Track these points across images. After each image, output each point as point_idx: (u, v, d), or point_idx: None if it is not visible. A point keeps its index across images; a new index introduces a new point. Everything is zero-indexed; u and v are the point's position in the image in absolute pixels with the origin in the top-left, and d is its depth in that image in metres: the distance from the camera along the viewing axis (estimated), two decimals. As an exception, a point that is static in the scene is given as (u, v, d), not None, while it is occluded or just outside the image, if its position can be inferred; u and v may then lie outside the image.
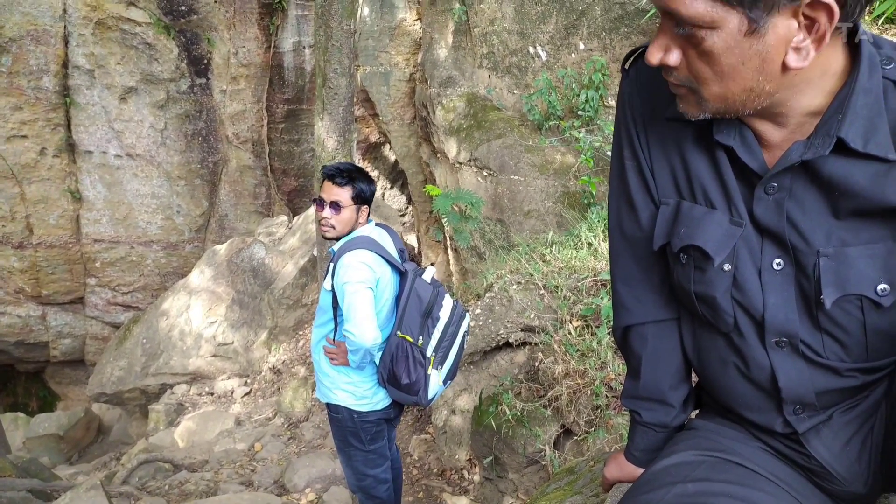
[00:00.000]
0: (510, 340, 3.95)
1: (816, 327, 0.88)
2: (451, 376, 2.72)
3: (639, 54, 0.98)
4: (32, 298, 9.65)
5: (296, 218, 8.94)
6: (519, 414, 3.52)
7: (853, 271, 0.83)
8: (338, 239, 2.65)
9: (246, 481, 4.87)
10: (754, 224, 0.88)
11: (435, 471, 4.37)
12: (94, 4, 8.64)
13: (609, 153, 5.27)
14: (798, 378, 0.90)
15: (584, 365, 3.41)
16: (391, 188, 10.80)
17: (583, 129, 5.76)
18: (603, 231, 4.50)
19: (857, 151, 0.79)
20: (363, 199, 2.62)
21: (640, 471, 1.10)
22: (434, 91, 6.76)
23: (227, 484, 4.75)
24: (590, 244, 4.40)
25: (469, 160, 6.14)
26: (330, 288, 2.59)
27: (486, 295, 4.26)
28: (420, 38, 7.56)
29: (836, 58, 0.79)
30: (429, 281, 2.63)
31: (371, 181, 2.67)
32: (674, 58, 0.80)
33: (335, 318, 2.62)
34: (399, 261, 2.67)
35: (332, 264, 2.60)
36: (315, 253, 6.99)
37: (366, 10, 7.82)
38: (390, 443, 2.97)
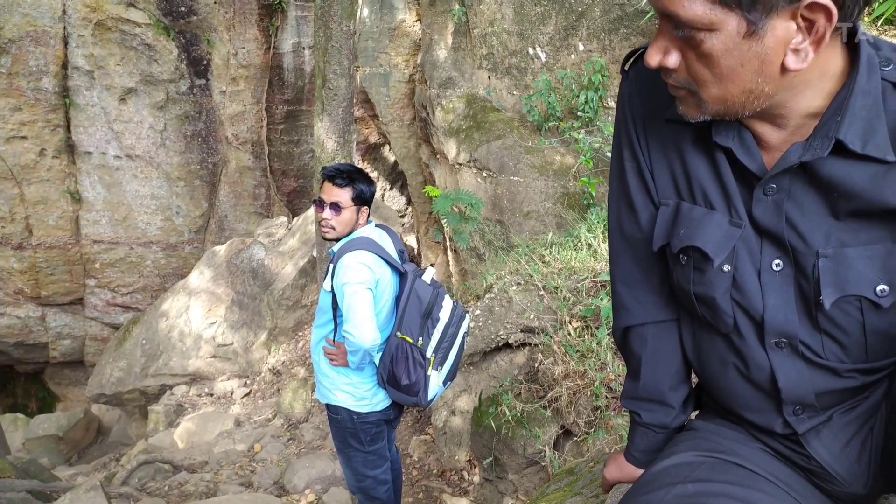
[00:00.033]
0: (510, 341, 3.95)
1: (816, 328, 0.88)
2: (450, 377, 2.72)
3: (638, 55, 0.98)
4: (32, 299, 9.65)
5: (295, 219, 8.94)
6: (519, 415, 3.52)
7: (852, 272, 0.83)
8: (338, 240, 2.65)
9: (245, 482, 4.86)
10: (753, 225, 0.88)
11: (435, 472, 4.37)
12: (94, 5, 8.64)
13: (608, 154, 5.28)
14: (798, 379, 0.90)
15: (584, 366, 3.42)
16: (391, 189, 10.81)
17: (582, 130, 5.76)
18: (602, 232, 4.51)
19: (856, 153, 0.79)
20: (363, 200, 2.62)
21: (640, 472, 1.11)
22: (434, 92, 6.76)
23: (226, 485, 4.74)
24: (589, 245, 4.40)
25: (469, 161, 6.14)
26: (329, 289, 2.59)
27: (486, 296, 4.27)
28: (419, 40, 7.57)
29: (834, 59, 0.79)
30: (428, 282, 2.63)
31: (371, 182, 2.67)
32: (673, 60, 0.80)
33: (335, 318, 2.62)
34: (399, 262, 2.67)
35: (331, 265, 2.60)
36: (314, 254, 6.99)
37: (365, 12, 7.83)
38: (390, 444, 2.97)
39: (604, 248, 4.26)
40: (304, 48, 9.94)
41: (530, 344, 3.91)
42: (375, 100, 8.12)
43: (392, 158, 9.93)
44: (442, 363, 2.63)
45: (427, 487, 4.21)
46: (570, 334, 3.62)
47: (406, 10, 7.69)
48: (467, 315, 2.80)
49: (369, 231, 2.68)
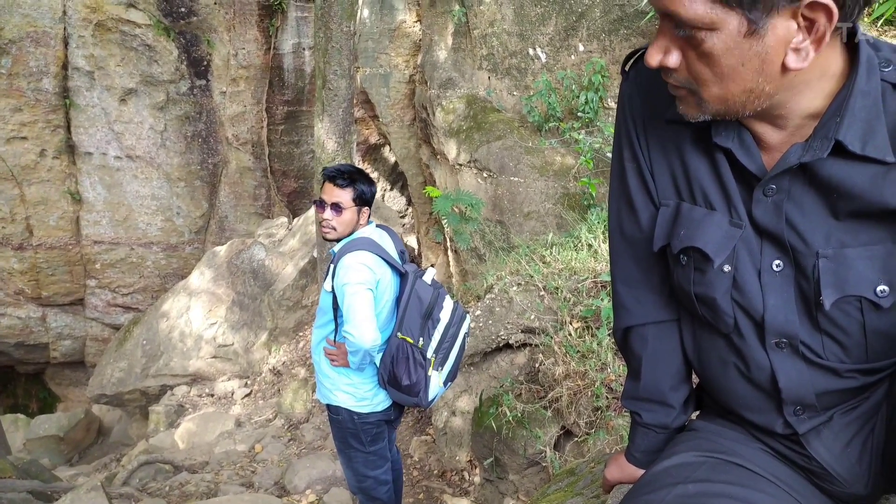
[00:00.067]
0: (510, 342, 3.95)
1: (816, 328, 0.88)
2: (451, 378, 2.72)
3: (638, 56, 0.98)
4: (32, 300, 9.65)
5: (296, 219, 8.94)
6: (519, 415, 3.52)
7: (852, 273, 0.83)
8: (338, 240, 2.66)
9: (246, 482, 4.87)
10: (754, 226, 0.89)
11: (435, 472, 4.37)
12: (94, 6, 8.65)
13: (609, 155, 5.28)
14: (798, 379, 0.91)
15: (585, 366, 3.42)
16: (391, 190, 10.81)
17: (582, 131, 5.76)
18: (603, 232, 4.51)
19: (856, 154, 0.79)
20: (364, 200, 2.63)
21: (641, 472, 1.11)
22: (434, 93, 6.77)
23: (227, 485, 4.75)
24: (590, 245, 4.40)
25: (469, 162, 6.14)
26: (330, 289, 2.59)
27: (487, 296, 4.27)
28: (420, 40, 7.57)
29: (834, 59, 0.79)
30: (429, 282, 2.64)
31: (372, 183, 2.67)
32: (673, 59, 0.80)
33: (335, 319, 2.62)
34: (399, 262, 2.67)
35: (332, 265, 2.60)
36: (315, 254, 6.99)
37: (365, 12, 7.83)
38: (391, 444, 2.97)
39: (604, 248, 4.26)
40: (304, 49, 9.94)
41: (531, 344, 3.91)
42: (376, 100, 8.13)
43: (392, 159, 9.93)
44: (442, 364, 2.63)
45: (428, 488, 4.22)
46: (570, 335, 3.62)
47: (406, 11, 7.69)
48: (468, 315, 2.80)
49: (370, 231, 2.68)
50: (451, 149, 6.41)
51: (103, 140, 9.27)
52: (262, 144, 10.04)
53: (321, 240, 5.42)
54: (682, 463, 0.97)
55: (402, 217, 10.53)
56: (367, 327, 2.41)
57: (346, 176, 2.59)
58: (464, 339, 2.73)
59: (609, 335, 3.45)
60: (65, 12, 8.65)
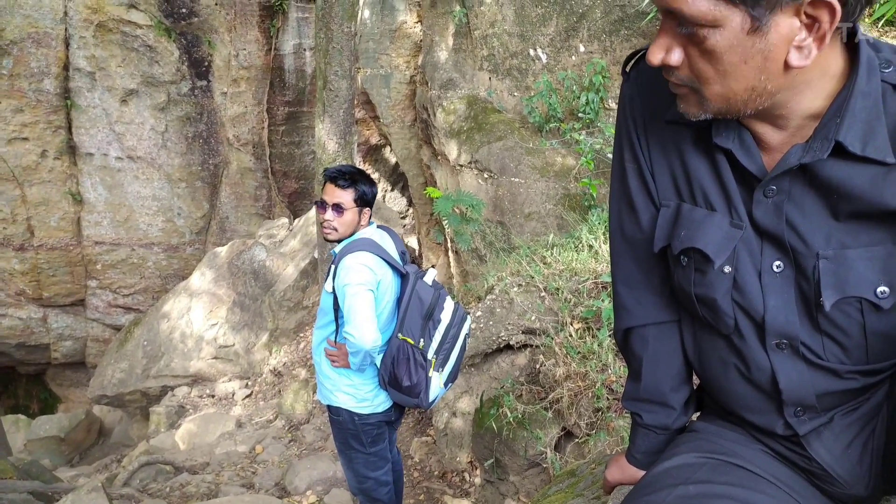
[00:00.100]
0: (511, 343, 3.95)
1: (816, 329, 0.88)
2: (452, 379, 2.72)
3: (639, 57, 0.98)
4: (33, 300, 9.66)
5: (296, 220, 8.95)
6: (520, 416, 3.52)
7: (853, 274, 0.83)
8: (340, 241, 2.66)
9: (247, 483, 4.87)
10: (754, 227, 0.88)
11: (436, 473, 4.37)
12: (95, 7, 8.66)
13: (609, 155, 5.28)
14: (798, 380, 0.91)
15: (585, 367, 3.41)
16: (392, 190, 10.81)
17: (583, 132, 5.76)
18: (604, 233, 4.51)
19: (856, 155, 0.79)
20: (365, 201, 2.63)
21: (642, 473, 1.11)
22: (434, 93, 6.77)
23: (227, 486, 4.75)
24: (590, 246, 4.40)
25: (470, 162, 6.14)
26: (331, 290, 2.59)
27: (487, 297, 4.27)
28: (420, 41, 7.57)
29: (835, 59, 0.79)
30: (430, 283, 2.64)
31: (373, 183, 2.67)
32: (675, 57, 0.80)
33: (336, 320, 2.62)
34: (400, 263, 2.67)
35: (333, 266, 2.60)
36: (316, 255, 7.00)
37: (366, 13, 7.84)
38: (391, 445, 2.97)
39: (605, 249, 4.26)
40: (305, 49, 9.95)
41: (531, 345, 3.91)
42: (376, 101, 8.13)
43: (393, 160, 9.93)
44: (443, 365, 2.63)
45: (428, 489, 4.21)
46: (571, 336, 3.62)
47: (407, 12, 7.70)
48: (468, 316, 2.80)
49: (371, 232, 2.68)
50: (451, 149, 6.41)
51: (104, 141, 9.28)
52: (262, 145, 10.04)
53: (322, 240, 5.42)
54: (683, 464, 0.97)
55: (403, 218, 10.53)
56: (367, 328, 2.41)
57: (348, 177, 2.59)
58: (464, 340, 2.73)
59: (610, 336, 3.45)
60: (66, 13, 8.66)
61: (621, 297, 1.09)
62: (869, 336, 0.86)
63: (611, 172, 1.07)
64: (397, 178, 10.49)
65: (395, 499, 3.01)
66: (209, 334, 7.77)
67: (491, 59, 6.56)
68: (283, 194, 10.52)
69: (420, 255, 8.69)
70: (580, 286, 3.91)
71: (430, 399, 2.61)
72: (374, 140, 9.90)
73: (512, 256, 4.82)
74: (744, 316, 0.92)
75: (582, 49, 6.08)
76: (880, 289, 0.82)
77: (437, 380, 2.62)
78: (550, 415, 3.49)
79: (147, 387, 7.79)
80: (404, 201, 10.75)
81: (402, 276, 2.64)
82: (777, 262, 0.88)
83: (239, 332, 7.75)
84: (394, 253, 2.70)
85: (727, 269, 0.90)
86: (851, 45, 0.80)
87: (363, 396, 2.67)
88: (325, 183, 2.63)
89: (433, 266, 7.98)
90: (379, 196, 9.92)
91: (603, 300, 3.68)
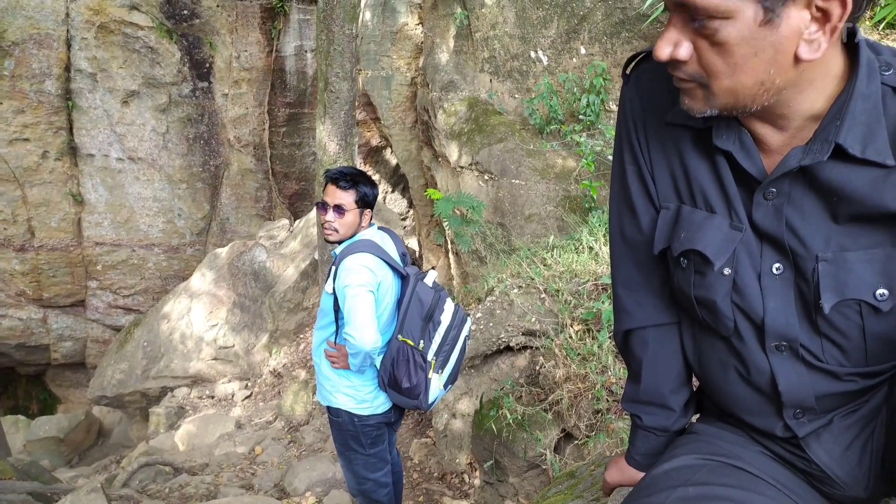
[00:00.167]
0: (511, 344, 3.95)
1: (816, 332, 0.88)
2: (451, 380, 2.72)
3: (640, 59, 0.98)
4: (33, 301, 9.66)
5: (297, 221, 8.95)
6: (520, 418, 3.52)
7: (852, 276, 0.83)
8: (340, 242, 2.66)
9: (246, 485, 4.86)
10: (754, 229, 0.89)
11: (435, 475, 4.37)
12: (97, 8, 8.67)
13: (610, 157, 5.28)
14: (798, 382, 0.91)
15: (585, 369, 3.41)
16: (392, 192, 10.82)
17: (584, 134, 5.76)
18: (604, 235, 4.51)
19: (856, 157, 0.79)
20: (366, 202, 2.63)
21: (641, 475, 1.11)
22: (435, 95, 6.78)
23: (227, 487, 4.74)
24: (591, 248, 4.40)
25: (470, 164, 6.15)
26: (331, 291, 2.59)
27: (487, 299, 4.27)
28: (422, 43, 7.58)
29: (836, 60, 0.79)
30: (430, 285, 2.64)
31: (374, 185, 2.67)
32: (684, 51, 0.79)
33: (336, 321, 2.62)
34: (401, 264, 2.67)
35: (333, 267, 2.60)
36: (316, 256, 7.00)
37: (367, 15, 7.85)
38: (391, 446, 2.97)
39: (605, 251, 4.26)
40: (306, 51, 9.96)
41: (531, 347, 3.91)
42: (377, 103, 8.14)
43: (394, 161, 9.94)
44: (443, 366, 2.63)
45: (428, 490, 4.21)
46: (571, 337, 3.62)
47: (408, 14, 7.71)
48: (469, 318, 2.80)
49: (372, 234, 2.69)
50: (452, 151, 6.41)
51: (105, 142, 9.29)
52: (263, 146, 10.05)
53: (322, 242, 5.42)
54: (683, 466, 0.97)
55: (404, 219, 10.54)
56: (367, 329, 2.41)
57: (349, 178, 2.59)
58: (464, 341, 2.73)
59: (610, 338, 3.45)
60: (67, 14, 8.67)
61: (621, 299, 1.09)
62: (868, 338, 0.86)
63: (611, 174, 1.07)
64: (398, 180, 10.50)
65: (394, 500, 3.01)
66: (209, 335, 7.77)
67: (492, 61, 6.57)
68: (283, 196, 10.52)
69: (420, 256, 8.69)
70: (580, 288, 3.91)
71: (430, 400, 2.61)
72: (375, 142, 9.91)
73: (512, 258, 4.82)
74: (743, 318, 0.92)
75: (583, 51, 6.09)
76: (879, 291, 0.82)
77: (436, 381, 2.62)
78: (550, 416, 3.49)
79: (147, 388, 7.79)
80: (405, 203, 10.76)
81: (403, 278, 2.64)
82: (777, 265, 0.88)
83: (239, 333, 7.75)
84: (394, 254, 2.70)
85: (727, 271, 0.90)
86: (851, 47, 0.81)
87: (363, 398, 2.67)
88: (326, 184, 2.64)
89: (433, 267, 7.99)
90: (379, 197, 9.94)
91: (603, 302, 3.68)
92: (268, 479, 4.86)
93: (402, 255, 2.76)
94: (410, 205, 10.15)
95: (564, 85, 5.97)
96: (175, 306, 8.12)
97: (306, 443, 5.75)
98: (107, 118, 9.19)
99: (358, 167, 4.73)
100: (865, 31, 4.14)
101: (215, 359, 7.71)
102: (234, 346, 7.71)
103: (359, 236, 2.65)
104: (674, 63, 0.81)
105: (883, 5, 4.06)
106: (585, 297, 3.84)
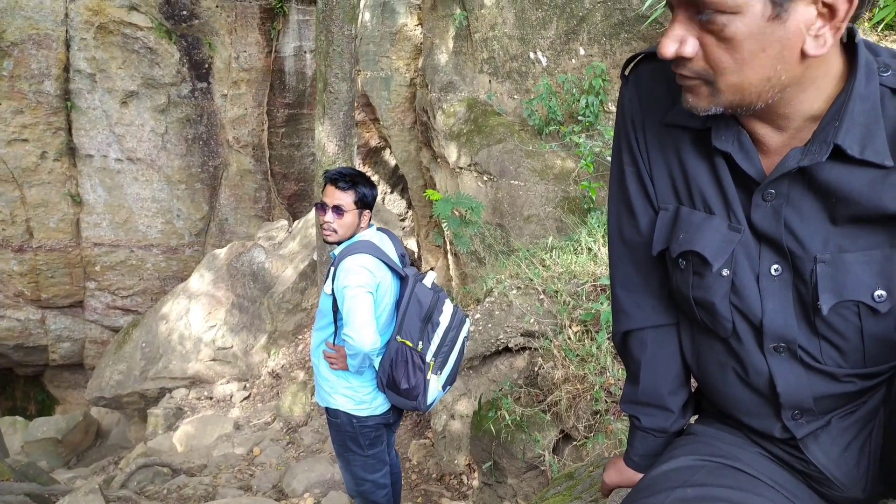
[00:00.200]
0: (510, 345, 3.95)
1: (814, 333, 0.88)
2: (450, 381, 2.72)
3: (639, 60, 0.98)
4: (32, 302, 9.65)
5: (296, 222, 8.95)
6: (518, 419, 3.52)
7: (850, 277, 0.83)
8: (339, 243, 2.66)
9: (244, 486, 4.86)
10: (752, 230, 0.89)
11: (434, 476, 4.36)
12: (96, 9, 8.67)
13: (609, 158, 5.28)
14: (796, 383, 0.91)
15: (584, 370, 3.41)
16: (391, 193, 10.81)
17: (583, 135, 5.77)
18: (603, 236, 4.51)
19: (854, 158, 0.79)
20: (365, 203, 2.63)
21: (640, 476, 1.11)
22: (434, 96, 6.78)
23: (225, 488, 4.74)
24: (589, 249, 4.40)
25: (469, 165, 6.15)
26: (330, 292, 2.59)
27: (486, 300, 4.27)
28: (421, 44, 7.59)
29: (835, 60, 0.79)
30: (429, 286, 2.64)
31: (373, 186, 2.67)
32: (690, 48, 0.78)
33: (335, 322, 2.62)
34: (400, 265, 2.67)
35: (332, 268, 2.60)
36: (315, 257, 6.99)
37: (367, 16, 7.85)
38: (389, 448, 2.96)
39: (604, 252, 4.26)
40: (305, 52, 9.96)
41: (530, 348, 3.91)
42: (376, 103, 8.14)
43: (393, 162, 9.94)
44: (442, 367, 2.63)
45: (426, 491, 4.21)
46: (569, 338, 3.62)
47: (407, 15, 7.71)
48: (467, 319, 2.80)
49: (371, 235, 2.68)
50: (451, 152, 6.41)
51: (104, 142, 9.29)
52: (262, 147, 10.05)
53: (321, 242, 5.42)
54: (681, 467, 0.97)
55: (402, 220, 10.54)
56: (366, 330, 2.41)
57: (348, 179, 2.59)
58: (463, 342, 2.73)
59: (608, 339, 3.45)
60: (67, 15, 8.67)
61: (620, 300, 1.09)
62: (866, 339, 0.86)
63: (609, 175, 1.07)
64: (397, 181, 10.50)
65: (392, 501, 3.00)
66: (207, 336, 7.76)
67: (491, 62, 6.57)
68: (282, 196, 10.52)
69: (419, 257, 8.69)
70: (579, 289, 3.91)
71: (429, 402, 2.61)
72: (374, 142, 9.91)
73: (511, 259, 4.82)
74: (742, 319, 0.92)
75: (582, 52, 6.09)
76: (877, 292, 0.82)
77: (435, 382, 2.61)
78: (549, 417, 3.49)
79: (145, 388, 7.78)
80: (404, 203, 10.76)
81: (402, 279, 2.64)
82: (775, 266, 0.88)
83: (237, 334, 7.74)
84: (393, 255, 2.70)
85: (725, 272, 0.90)
86: (849, 48, 0.81)
87: (361, 399, 2.67)
88: (325, 185, 2.63)
89: (432, 268, 7.99)
90: (378, 198, 9.94)
91: (602, 303, 3.68)
92: (266, 481, 4.86)
93: (401, 256, 2.76)
94: (409, 205, 10.15)
95: (563, 86, 5.98)
96: (173, 307, 8.11)
97: (305, 444, 5.74)
98: (106, 119, 9.19)
99: (357, 168, 4.73)
100: (864, 33, 4.15)
101: (214, 360, 7.71)
102: (232, 347, 7.70)
103: (358, 237, 2.65)
104: (679, 61, 0.80)
105: (882, 6, 4.06)
106: (584, 298, 3.84)
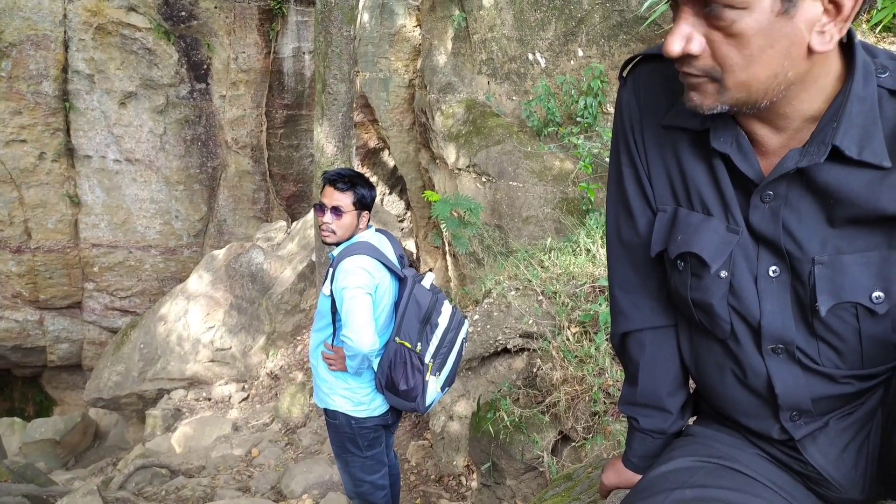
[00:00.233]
0: (508, 346, 3.95)
1: (812, 334, 0.88)
2: (449, 382, 2.72)
3: (637, 61, 0.98)
4: (30, 303, 9.63)
5: (294, 223, 8.95)
6: (517, 420, 3.52)
7: (848, 279, 0.83)
8: (338, 244, 2.66)
9: (243, 487, 4.85)
10: (750, 231, 0.89)
11: (433, 477, 4.36)
12: (95, 10, 8.67)
13: (607, 159, 5.28)
14: (794, 385, 0.91)
15: (582, 371, 3.41)
16: (390, 194, 10.82)
17: (581, 136, 5.77)
18: (601, 237, 4.51)
19: (852, 159, 0.79)
20: (364, 204, 2.63)
21: (638, 477, 1.11)
22: (433, 97, 6.78)
23: (223, 490, 4.73)
24: (588, 250, 4.41)
25: (468, 166, 6.15)
26: (329, 293, 2.59)
27: (485, 301, 4.27)
28: (419, 45, 7.59)
29: (834, 60, 0.80)
30: (428, 287, 2.64)
31: (372, 187, 2.68)
32: (697, 45, 0.78)
33: (334, 323, 2.62)
34: (398, 266, 2.67)
35: (331, 269, 2.60)
36: (313, 258, 6.99)
37: (365, 17, 7.85)
38: (388, 449, 2.96)
39: (602, 253, 4.26)
40: (304, 53, 9.97)
41: (529, 349, 3.91)
42: (375, 104, 8.14)
43: (391, 163, 9.94)
44: (440, 368, 2.63)
45: (425, 493, 4.20)
46: (568, 339, 3.62)
47: (406, 16, 7.72)
48: (466, 320, 2.80)
49: (369, 236, 2.68)
50: (450, 153, 6.42)
51: (102, 143, 9.28)
52: (261, 148, 10.05)
53: (320, 243, 5.42)
54: (680, 468, 0.97)
55: (401, 221, 10.54)
56: (365, 332, 2.41)
57: (347, 180, 2.59)
58: (462, 343, 2.73)
59: (607, 340, 3.45)
60: (65, 16, 8.67)
61: (618, 302, 1.09)
62: (864, 341, 0.86)
63: (608, 177, 1.07)
64: (395, 182, 10.50)
65: (391, 503, 3.00)
66: (206, 337, 7.76)
67: (490, 63, 6.57)
68: (281, 197, 10.52)
69: (418, 258, 8.69)
70: (577, 290, 3.91)
71: (427, 403, 2.61)
72: (373, 143, 9.91)
73: (510, 260, 4.82)
74: (740, 321, 0.92)
75: (580, 53, 6.10)
76: (875, 294, 0.82)
77: (434, 383, 2.61)
78: (547, 419, 3.49)
79: (143, 390, 7.77)
80: (402, 205, 10.76)
81: (400, 280, 2.64)
82: (773, 267, 0.88)
83: (236, 335, 7.73)
84: (392, 256, 2.70)
85: (723, 273, 0.90)
86: (847, 49, 0.81)
87: (360, 400, 2.67)
88: (324, 186, 2.63)
89: (431, 270, 7.98)
90: (377, 199, 9.93)
91: (600, 304, 3.68)
92: (264, 482, 4.85)
93: (400, 257, 2.76)
94: (408, 206, 10.15)
95: (562, 87, 5.98)
96: (172, 308, 8.10)
97: (303, 445, 5.74)
98: (104, 119, 9.18)
99: (356, 169, 4.73)
100: (862, 34, 4.16)
101: (212, 361, 7.70)
102: (230, 348, 7.70)
103: (356, 238, 2.65)
104: (685, 59, 0.80)
105: (879, 8, 4.07)
106: (583, 299, 3.84)
